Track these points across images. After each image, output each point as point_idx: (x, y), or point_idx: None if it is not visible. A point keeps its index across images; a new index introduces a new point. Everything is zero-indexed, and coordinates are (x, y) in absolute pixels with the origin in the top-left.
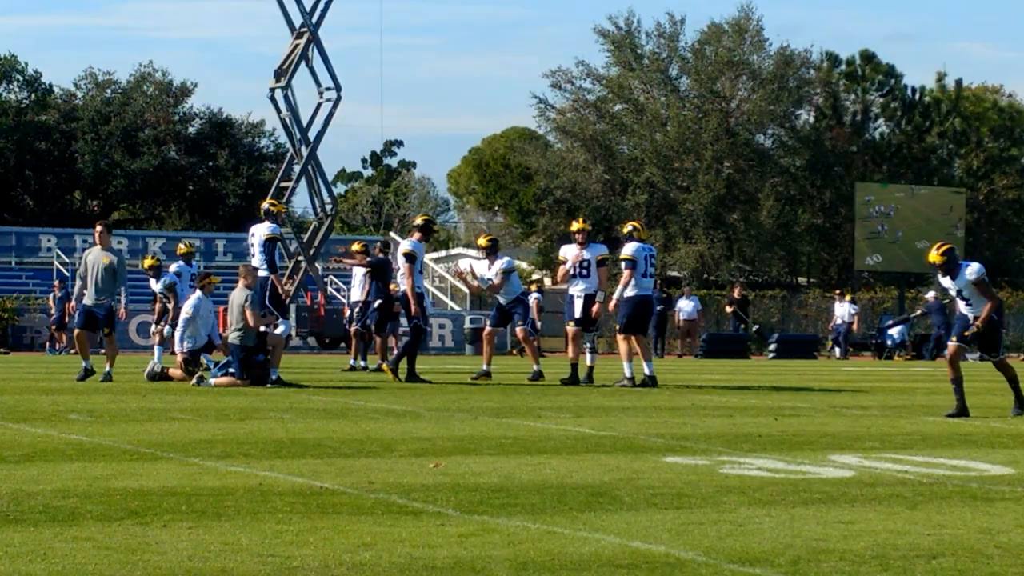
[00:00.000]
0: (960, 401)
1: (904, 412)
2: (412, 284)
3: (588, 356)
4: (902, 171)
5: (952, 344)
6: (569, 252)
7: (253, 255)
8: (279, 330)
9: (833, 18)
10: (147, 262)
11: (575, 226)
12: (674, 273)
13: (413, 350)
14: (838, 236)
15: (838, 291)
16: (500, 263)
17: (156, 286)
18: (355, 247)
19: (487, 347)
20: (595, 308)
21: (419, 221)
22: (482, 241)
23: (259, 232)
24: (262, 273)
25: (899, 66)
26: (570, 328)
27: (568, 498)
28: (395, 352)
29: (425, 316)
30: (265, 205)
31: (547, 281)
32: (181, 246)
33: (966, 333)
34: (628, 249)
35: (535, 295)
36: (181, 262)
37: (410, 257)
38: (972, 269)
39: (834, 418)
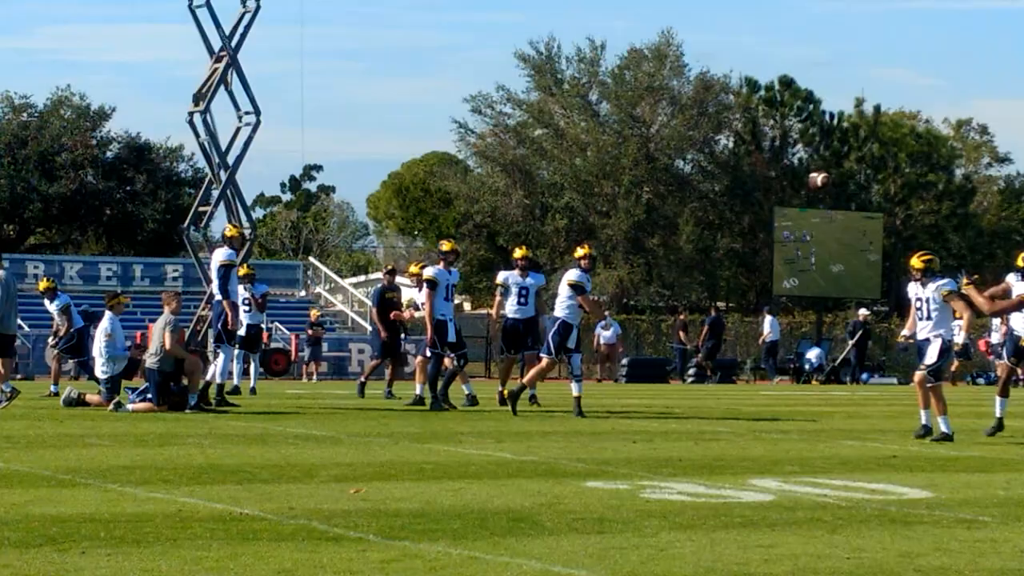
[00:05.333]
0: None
1: (823, 436)
2: (431, 310)
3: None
4: (820, 196)
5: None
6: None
7: (212, 280)
8: (219, 358)
9: (752, 44)
10: (42, 285)
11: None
12: (592, 297)
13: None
14: (757, 261)
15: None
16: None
17: (52, 307)
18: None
19: (421, 373)
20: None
21: (445, 247)
22: (415, 268)
23: (215, 258)
24: (217, 297)
25: (817, 92)
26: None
27: (490, 523)
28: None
29: (444, 343)
30: (223, 230)
31: (467, 306)
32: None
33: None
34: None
35: None
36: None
37: (431, 284)
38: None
39: (754, 442)
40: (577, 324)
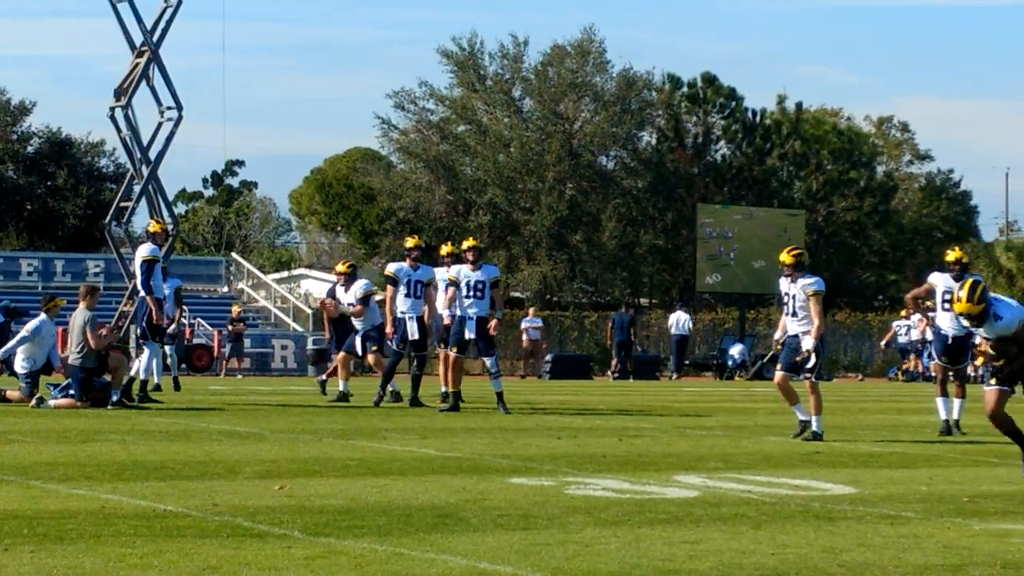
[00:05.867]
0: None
1: (746, 432)
2: (391, 308)
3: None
4: (743, 193)
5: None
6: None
7: (136, 276)
8: (144, 354)
9: (675, 41)
10: None
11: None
12: (517, 294)
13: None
14: (680, 257)
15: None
16: (359, 287)
17: None
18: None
19: (343, 370)
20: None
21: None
22: (341, 267)
23: (138, 254)
24: (141, 294)
25: (740, 89)
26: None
27: (415, 519)
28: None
29: (404, 340)
30: (146, 226)
31: None
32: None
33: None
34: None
35: None
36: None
37: (392, 280)
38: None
39: (678, 438)
40: (460, 317)
